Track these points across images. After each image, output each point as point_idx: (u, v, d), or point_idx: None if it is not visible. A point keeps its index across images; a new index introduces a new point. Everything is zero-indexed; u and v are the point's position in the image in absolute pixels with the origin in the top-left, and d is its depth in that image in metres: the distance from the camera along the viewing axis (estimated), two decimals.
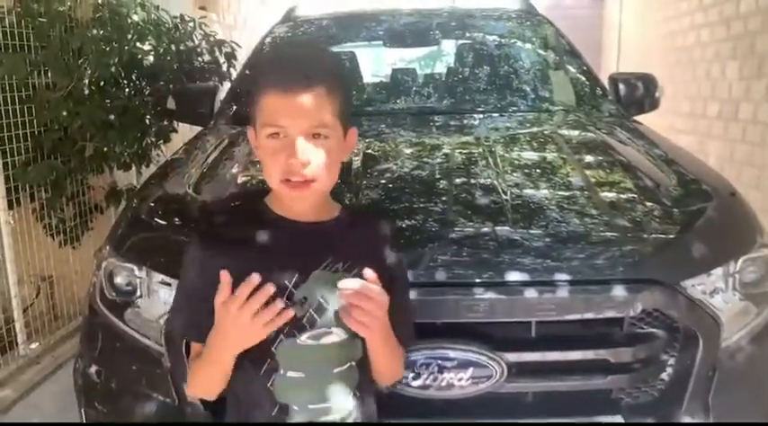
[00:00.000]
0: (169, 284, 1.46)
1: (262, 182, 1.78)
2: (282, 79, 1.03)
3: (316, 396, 1.05)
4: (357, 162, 1.85)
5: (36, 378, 2.80)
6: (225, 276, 0.97)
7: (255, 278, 0.96)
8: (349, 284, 1.00)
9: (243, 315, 0.97)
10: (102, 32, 2.97)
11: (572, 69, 2.83)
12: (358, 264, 1.07)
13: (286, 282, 1.04)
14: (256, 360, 1.05)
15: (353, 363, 1.09)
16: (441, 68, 3.64)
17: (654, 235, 1.48)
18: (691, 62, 5.58)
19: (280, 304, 0.98)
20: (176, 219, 1.64)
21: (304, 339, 1.05)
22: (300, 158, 1.02)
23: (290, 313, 0.99)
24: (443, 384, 1.32)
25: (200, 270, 1.07)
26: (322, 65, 1.09)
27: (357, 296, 1.00)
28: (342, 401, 1.07)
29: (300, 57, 1.09)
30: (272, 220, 1.09)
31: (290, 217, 1.10)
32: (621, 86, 2.69)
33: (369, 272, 1.02)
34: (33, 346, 2.96)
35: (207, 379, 1.09)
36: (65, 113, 2.87)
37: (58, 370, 2.87)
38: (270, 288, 0.97)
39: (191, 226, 1.56)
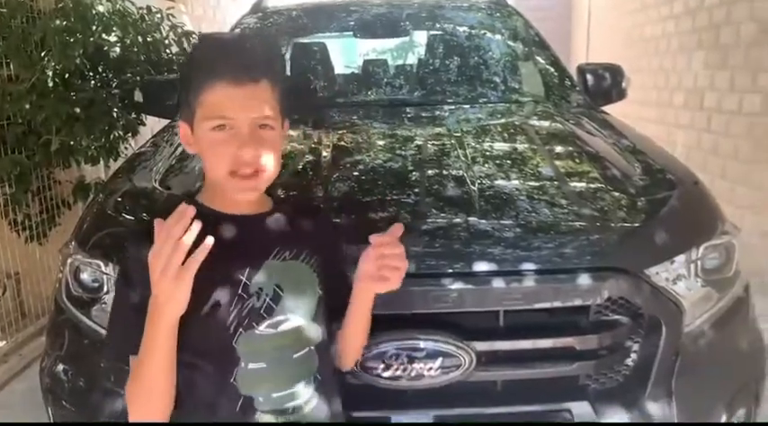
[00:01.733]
0: None
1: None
2: (231, 71, 1.01)
3: (278, 384, 1.07)
4: (327, 154, 1.85)
5: (4, 378, 2.75)
6: (159, 224, 0.92)
7: (182, 207, 0.92)
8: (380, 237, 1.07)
9: (174, 258, 0.90)
10: (65, 23, 2.90)
11: (541, 60, 2.85)
12: (303, 251, 1.12)
13: (240, 276, 1.04)
14: (217, 358, 1.04)
15: (311, 348, 1.11)
16: (412, 59, 3.65)
17: (619, 224, 1.51)
18: (657, 53, 5.67)
19: (193, 225, 0.91)
20: (143, 214, 1.62)
21: (263, 329, 1.05)
22: (251, 149, 1.02)
23: (198, 225, 0.92)
24: (413, 374, 1.33)
25: (143, 284, 0.98)
26: (267, 56, 1.09)
27: (392, 243, 1.06)
28: (303, 386, 1.09)
29: (245, 49, 1.07)
30: (212, 217, 1.06)
31: (231, 212, 1.09)
32: (589, 77, 2.72)
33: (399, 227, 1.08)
34: (0, 345, 2.91)
35: (146, 378, 1.00)
36: (28, 106, 2.80)
37: (26, 369, 2.83)
38: (188, 211, 0.92)
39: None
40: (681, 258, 1.49)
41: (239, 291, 1.04)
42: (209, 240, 0.92)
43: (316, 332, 1.12)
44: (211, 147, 1.04)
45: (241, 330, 1.04)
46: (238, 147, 1.02)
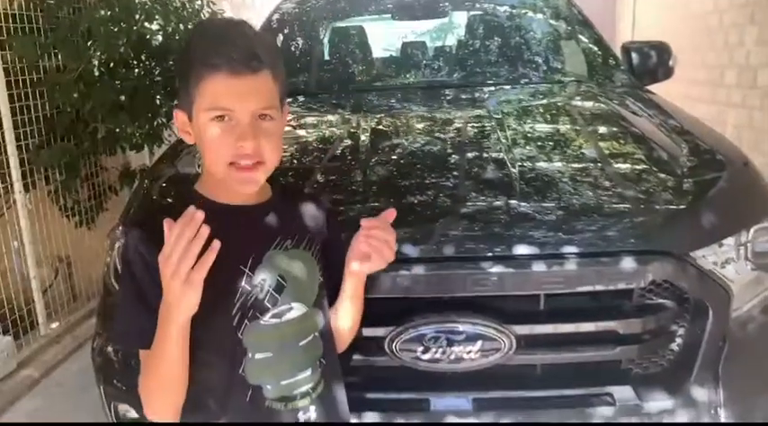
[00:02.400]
0: None
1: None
2: (230, 61, 0.99)
3: (286, 372, 1.09)
4: (366, 138, 1.85)
5: (57, 357, 2.87)
6: (168, 225, 0.91)
7: (191, 210, 0.91)
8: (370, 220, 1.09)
9: (184, 263, 0.90)
10: (109, 13, 2.97)
11: (584, 39, 2.78)
12: (304, 238, 1.12)
13: (242, 267, 1.04)
14: (225, 350, 1.05)
15: (317, 334, 1.12)
16: (451, 41, 3.60)
17: (665, 206, 1.47)
18: (708, 29, 5.45)
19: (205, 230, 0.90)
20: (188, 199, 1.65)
21: (267, 319, 1.06)
22: (251, 140, 1.00)
23: (217, 245, 0.91)
24: (453, 357, 1.34)
25: (144, 274, 0.99)
26: (266, 46, 1.07)
27: (382, 227, 1.07)
28: (310, 371, 1.11)
29: (243, 38, 1.05)
30: (213, 209, 1.02)
31: (231, 202, 1.08)
32: (634, 55, 2.65)
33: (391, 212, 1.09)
34: (53, 326, 3.03)
35: (160, 375, 1.01)
36: (76, 95, 2.89)
37: (79, 349, 2.94)
38: (198, 214, 0.90)
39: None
40: (730, 241, 1.45)
41: (242, 283, 1.04)
42: (216, 244, 0.91)
43: (319, 318, 1.13)
44: (210, 139, 1.02)
45: (246, 321, 1.04)
46: (238, 139, 1.00)
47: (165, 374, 1.01)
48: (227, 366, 1.05)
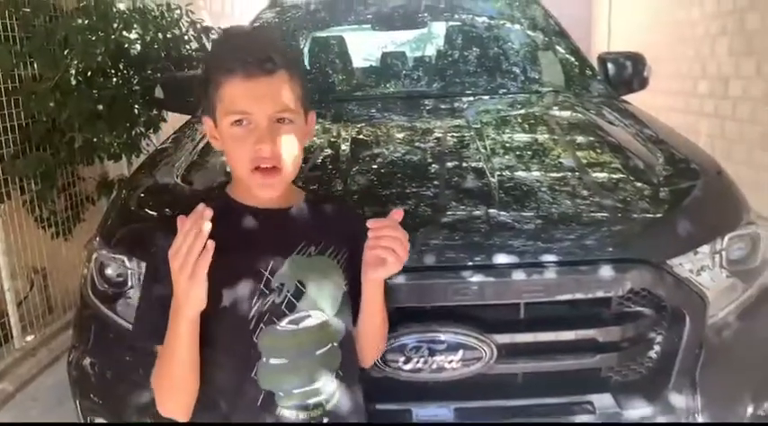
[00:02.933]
0: None
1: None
2: (244, 65, 1.01)
3: (300, 380, 1.07)
4: (346, 147, 1.85)
5: (33, 371, 2.81)
6: (180, 222, 0.93)
7: (200, 207, 0.93)
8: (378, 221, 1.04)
9: (189, 258, 0.92)
10: (87, 22, 2.94)
11: (561, 50, 2.82)
12: (330, 246, 1.11)
13: (262, 270, 1.05)
14: (239, 352, 1.05)
15: (335, 344, 1.10)
16: (430, 51, 3.64)
17: (642, 215, 1.49)
18: (681, 39, 5.56)
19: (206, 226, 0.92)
20: (166, 209, 1.64)
21: (284, 324, 1.05)
22: (268, 144, 1.01)
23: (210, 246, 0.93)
24: (434, 366, 1.34)
25: (168, 273, 1.00)
26: (281, 49, 1.08)
27: (390, 227, 1.02)
28: (325, 382, 1.08)
29: (259, 42, 1.07)
30: (239, 210, 1.08)
31: (257, 205, 1.09)
32: (610, 66, 2.69)
33: (398, 212, 1.05)
34: (29, 339, 2.97)
35: (171, 372, 1.03)
36: (52, 104, 2.85)
37: (55, 363, 2.88)
38: (206, 212, 0.92)
39: (180, 216, 1.56)
40: (705, 248, 1.47)
41: (261, 286, 1.04)
42: (210, 244, 0.92)
43: (339, 327, 1.11)
44: (232, 143, 1.04)
45: (262, 325, 1.04)
46: (256, 142, 1.01)
47: (176, 371, 1.02)
48: (240, 368, 1.06)
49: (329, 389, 1.09)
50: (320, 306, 1.08)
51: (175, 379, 1.04)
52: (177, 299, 0.97)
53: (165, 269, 0.97)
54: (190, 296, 0.95)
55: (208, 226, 0.92)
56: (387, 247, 1.03)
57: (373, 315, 1.15)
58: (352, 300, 1.14)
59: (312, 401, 1.07)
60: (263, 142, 1.01)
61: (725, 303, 1.48)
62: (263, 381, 1.05)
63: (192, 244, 0.92)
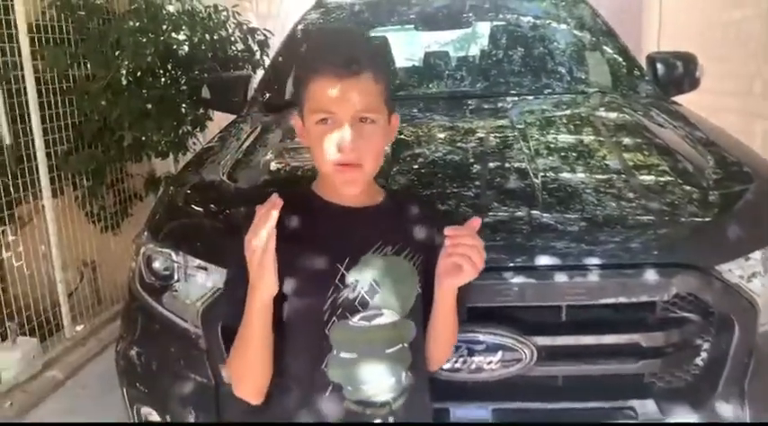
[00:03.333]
0: (205, 268, 1.50)
1: (295, 169, 1.83)
2: (331, 65, 1.03)
3: (368, 376, 1.08)
4: (388, 148, 1.86)
5: (82, 360, 2.92)
6: (258, 210, 0.98)
7: (273, 197, 0.98)
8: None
9: (258, 248, 0.97)
10: (137, 24, 3.03)
11: (608, 50, 2.77)
12: (407, 247, 1.12)
13: (338, 266, 1.07)
14: (311, 343, 1.08)
15: (405, 344, 1.11)
16: (474, 51, 3.60)
17: (690, 219, 1.46)
18: (736, 38, 5.38)
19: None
20: (212, 206, 1.68)
21: (356, 320, 1.07)
22: (350, 143, 1.03)
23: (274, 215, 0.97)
24: (473, 367, 1.33)
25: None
26: (368, 50, 1.11)
27: (468, 235, 1.03)
28: (394, 381, 1.09)
29: (346, 43, 1.10)
30: (321, 206, 1.12)
31: (339, 202, 1.12)
32: (660, 66, 2.62)
33: (476, 220, 1.05)
34: (78, 329, 3.08)
35: (245, 354, 1.07)
36: (104, 103, 2.96)
37: (103, 352, 2.99)
38: (277, 201, 0.97)
39: (225, 212, 1.60)
40: (757, 254, 1.42)
41: (336, 281, 1.06)
42: (272, 229, 0.96)
43: (410, 329, 1.12)
44: (316, 140, 1.06)
45: (335, 319, 1.06)
46: (338, 141, 1.04)
47: (249, 353, 1.07)
48: (311, 358, 1.08)
49: (397, 389, 1.10)
50: (393, 305, 1.09)
51: (248, 361, 1.08)
52: (252, 283, 1.02)
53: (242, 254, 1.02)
54: (261, 280, 1.00)
55: (275, 215, 0.96)
56: (463, 254, 1.03)
57: (445, 320, 1.16)
58: (424, 304, 1.15)
59: (379, 399, 1.08)
60: (344, 141, 1.03)
61: None
62: (333, 374, 1.07)
63: (260, 231, 0.96)
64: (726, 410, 1.34)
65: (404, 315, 1.10)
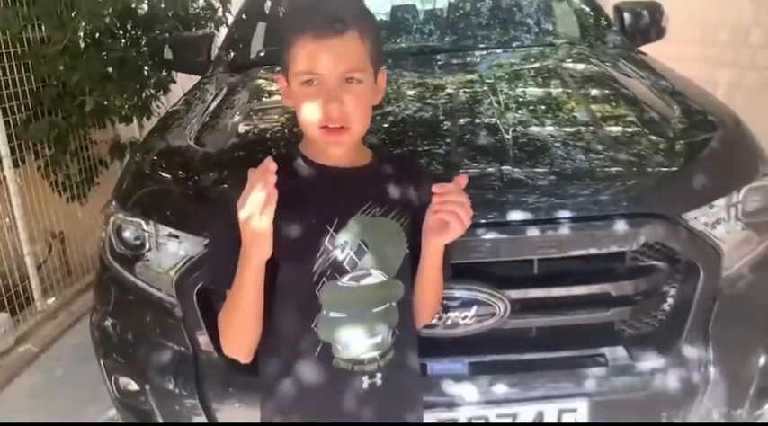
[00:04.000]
0: (177, 236, 1.48)
1: (264, 131, 1.80)
2: (315, 25, 1.01)
3: (357, 335, 1.10)
4: None
5: (55, 332, 2.89)
6: (250, 174, 0.97)
7: (267, 161, 0.96)
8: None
9: (255, 209, 0.96)
10: None
11: (575, 0, 2.75)
12: (395, 208, 1.12)
13: (327, 227, 1.07)
14: (301, 303, 1.09)
15: (393, 303, 1.12)
16: (442, 4, 3.55)
17: (657, 169, 1.48)
18: None
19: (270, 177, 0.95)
20: (180, 172, 1.65)
21: (345, 281, 1.08)
22: (337, 103, 1.02)
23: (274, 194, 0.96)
24: (448, 322, 1.36)
25: (235, 220, 1.02)
26: (353, 6, 1.07)
27: (455, 192, 1.04)
28: (382, 339, 1.11)
29: (329, 3, 1.06)
30: (308, 167, 1.11)
31: (327, 163, 1.11)
32: (627, 16, 2.63)
33: (463, 177, 1.07)
34: (50, 302, 3.04)
35: (236, 314, 1.08)
36: (62, 68, 2.85)
37: (76, 324, 2.96)
38: (271, 165, 0.95)
39: (195, 178, 1.58)
40: (720, 202, 1.46)
41: (325, 242, 1.07)
42: (274, 196, 0.95)
43: (398, 289, 1.13)
44: (302, 102, 1.05)
45: (324, 279, 1.07)
46: (325, 102, 1.02)
47: (240, 314, 1.08)
48: (301, 318, 1.09)
49: (384, 346, 1.12)
50: (381, 265, 1.10)
51: (238, 322, 1.09)
52: (244, 248, 1.01)
53: (235, 218, 1.00)
54: (255, 244, 1.00)
55: (273, 178, 0.95)
56: (451, 211, 1.04)
57: (431, 278, 1.17)
58: (411, 263, 1.16)
59: (367, 355, 1.10)
60: (331, 102, 1.02)
61: (740, 255, 1.48)
62: (322, 333, 1.09)
63: (255, 195, 0.95)
64: (691, 352, 1.39)
65: (392, 276, 1.11)
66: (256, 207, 0.95)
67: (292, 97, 1.08)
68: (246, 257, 1.02)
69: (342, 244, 1.07)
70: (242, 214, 0.97)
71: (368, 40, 1.05)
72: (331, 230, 1.07)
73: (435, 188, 1.04)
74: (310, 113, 1.04)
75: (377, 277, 1.10)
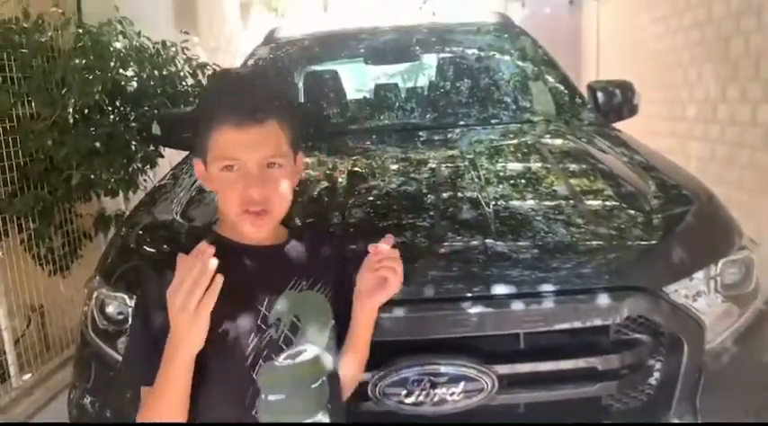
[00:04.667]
0: None
1: None
2: (237, 115, 1.03)
3: (297, 415, 1.08)
4: (343, 179, 1.88)
5: (30, 410, 2.78)
6: (180, 260, 0.94)
7: (202, 245, 0.94)
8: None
9: (192, 297, 0.92)
10: (84, 61, 2.98)
11: (550, 79, 2.87)
12: (318, 280, 1.14)
13: (259, 307, 1.07)
14: (237, 389, 1.06)
15: (324, 378, 1.12)
16: (423, 82, 3.69)
17: (636, 242, 1.52)
18: (668, 66, 5.67)
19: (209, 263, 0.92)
20: (165, 246, 1.65)
21: (282, 360, 1.07)
22: (258, 188, 1.04)
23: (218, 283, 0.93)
24: (436, 399, 1.34)
25: (162, 310, 0.98)
26: (273, 96, 1.10)
27: (389, 248, 1.09)
28: (320, 417, 1.10)
29: (250, 89, 1.08)
30: (231, 248, 1.09)
31: (249, 242, 1.12)
32: (600, 94, 2.73)
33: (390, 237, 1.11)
34: (26, 377, 2.94)
35: (162, 413, 1.00)
36: (50, 143, 2.88)
37: (52, 401, 2.85)
38: (208, 250, 0.93)
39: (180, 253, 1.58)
40: (699, 274, 1.49)
41: (258, 322, 1.06)
42: (218, 281, 0.93)
43: (329, 361, 1.13)
44: (222, 187, 1.07)
45: (261, 361, 1.05)
46: (246, 188, 1.04)
47: (165, 413, 1.00)
48: (239, 405, 1.05)
49: (323, 423, 1.10)
50: (313, 339, 1.10)
51: (165, 416, 1.01)
52: (174, 340, 0.96)
53: (159, 307, 0.97)
54: (189, 335, 0.95)
55: (214, 263, 0.93)
56: (389, 267, 1.09)
57: (360, 347, 1.18)
58: (337, 333, 1.17)
59: None
60: (253, 187, 1.04)
61: (722, 328, 1.50)
62: (263, 417, 1.06)
63: (195, 282, 0.92)
64: None
65: (323, 348, 1.11)
66: (195, 294, 0.92)
67: (212, 181, 1.09)
68: (176, 350, 0.96)
69: (275, 323, 1.07)
70: (176, 302, 0.92)
71: (287, 127, 1.08)
72: (262, 310, 1.06)
73: (371, 246, 1.09)
74: (231, 197, 1.05)
75: (311, 351, 1.09)
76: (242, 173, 1.05)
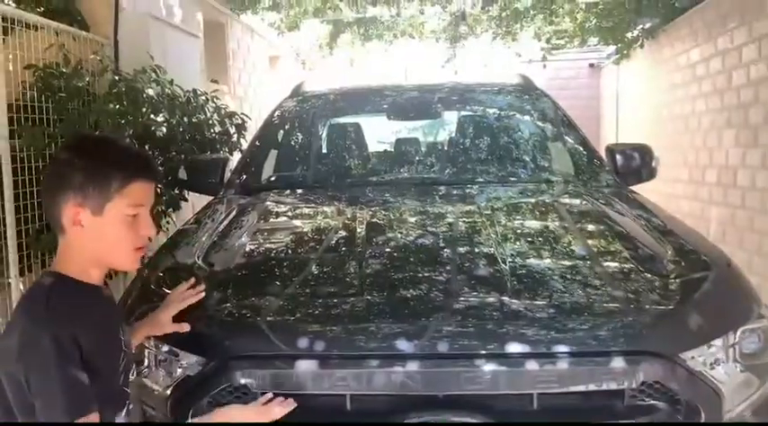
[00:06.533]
0: (176, 354, 1.49)
1: (269, 252, 1.86)
2: (149, 169, 1.27)
3: None
4: (361, 230, 1.90)
5: None
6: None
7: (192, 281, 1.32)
8: None
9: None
10: (117, 106, 3.10)
11: (570, 140, 2.91)
12: None
13: (122, 337, 1.30)
14: (116, 399, 1.26)
15: None
16: (443, 137, 3.74)
17: (653, 307, 1.51)
18: (687, 131, 5.71)
19: None
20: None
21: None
22: (154, 229, 1.28)
23: None
24: None
25: (73, 353, 1.13)
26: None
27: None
28: None
29: (143, 151, 1.29)
30: (94, 290, 1.26)
31: (95, 283, 1.27)
32: (618, 157, 2.74)
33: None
34: None
35: None
36: None
37: None
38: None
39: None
40: (718, 342, 1.47)
41: (124, 347, 1.29)
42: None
43: None
44: (124, 229, 1.22)
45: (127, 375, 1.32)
46: (146, 228, 1.25)
47: None
48: (116, 410, 1.25)
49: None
50: None
51: None
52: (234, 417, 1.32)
53: (74, 350, 1.14)
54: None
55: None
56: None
57: None
58: None
59: None
60: (150, 229, 1.26)
61: (741, 398, 1.47)
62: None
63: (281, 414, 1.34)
64: None
65: None
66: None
67: (102, 226, 1.20)
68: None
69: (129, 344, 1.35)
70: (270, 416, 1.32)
71: None
72: (121, 336, 1.30)
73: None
74: (130, 238, 1.24)
75: None
76: (141, 218, 1.25)
